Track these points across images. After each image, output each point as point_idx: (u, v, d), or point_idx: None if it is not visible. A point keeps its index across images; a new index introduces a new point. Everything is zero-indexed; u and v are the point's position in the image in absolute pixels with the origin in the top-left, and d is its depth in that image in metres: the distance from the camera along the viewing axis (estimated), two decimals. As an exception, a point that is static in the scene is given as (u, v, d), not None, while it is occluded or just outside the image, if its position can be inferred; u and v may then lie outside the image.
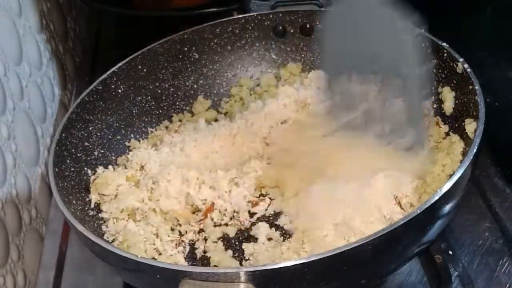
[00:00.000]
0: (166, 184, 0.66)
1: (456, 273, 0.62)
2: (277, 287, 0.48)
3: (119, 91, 0.74)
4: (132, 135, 0.75)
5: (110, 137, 0.72)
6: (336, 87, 0.64)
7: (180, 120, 0.79)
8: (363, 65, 0.61)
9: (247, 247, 0.62)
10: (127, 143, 0.74)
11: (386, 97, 0.62)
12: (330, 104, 0.66)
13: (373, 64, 0.60)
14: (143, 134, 0.76)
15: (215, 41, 0.81)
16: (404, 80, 0.59)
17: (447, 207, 0.51)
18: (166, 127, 0.78)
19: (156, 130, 0.77)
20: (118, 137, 0.73)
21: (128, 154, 0.73)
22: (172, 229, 0.65)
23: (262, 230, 0.63)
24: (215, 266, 0.60)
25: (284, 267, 0.46)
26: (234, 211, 0.66)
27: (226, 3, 0.92)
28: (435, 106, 0.69)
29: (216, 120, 0.79)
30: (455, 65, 0.64)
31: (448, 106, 0.67)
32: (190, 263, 0.62)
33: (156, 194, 0.66)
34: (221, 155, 0.71)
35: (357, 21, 0.59)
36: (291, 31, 0.81)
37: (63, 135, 0.65)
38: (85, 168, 0.67)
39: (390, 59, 0.59)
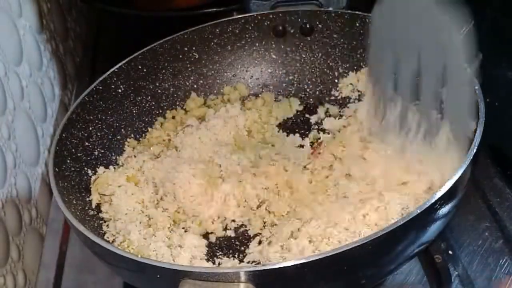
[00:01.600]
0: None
1: (456, 273, 0.62)
2: (277, 287, 0.48)
3: (119, 91, 0.74)
4: (132, 135, 0.75)
5: (110, 137, 0.72)
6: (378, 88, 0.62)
7: (173, 117, 0.78)
8: (408, 57, 0.58)
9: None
10: (127, 143, 0.74)
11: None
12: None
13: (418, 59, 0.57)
14: (143, 134, 0.76)
15: (215, 41, 0.81)
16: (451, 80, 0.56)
17: (447, 207, 0.51)
18: (161, 124, 0.77)
19: (152, 128, 0.77)
20: (118, 137, 0.73)
21: (129, 154, 0.73)
22: (172, 230, 0.64)
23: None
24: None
25: (284, 267, 0.46)
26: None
27: (226, 3, 0.92)
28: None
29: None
30: (455, 65, 0.64)
31: (448, 106, 0.67)
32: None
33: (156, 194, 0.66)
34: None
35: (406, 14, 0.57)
36: (291, 31, 0.81)
37: (63, 135, 0.65)
38: (86, 168, 0.67)
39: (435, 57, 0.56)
